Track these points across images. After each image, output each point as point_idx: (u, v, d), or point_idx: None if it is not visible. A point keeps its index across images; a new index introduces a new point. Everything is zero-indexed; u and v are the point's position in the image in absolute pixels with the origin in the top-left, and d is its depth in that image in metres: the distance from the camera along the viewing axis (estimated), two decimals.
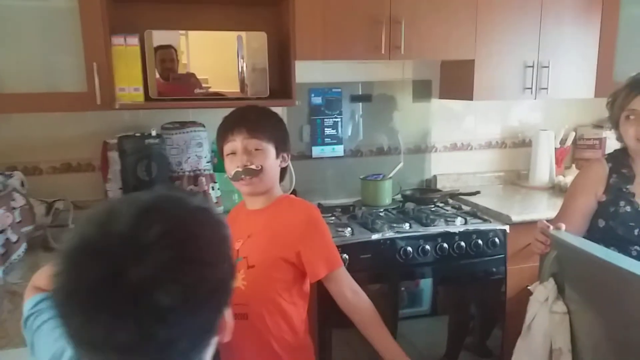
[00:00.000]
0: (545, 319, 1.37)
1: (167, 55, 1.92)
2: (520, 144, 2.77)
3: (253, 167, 1.31)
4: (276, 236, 1.33)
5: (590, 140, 2.76)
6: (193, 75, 1.95)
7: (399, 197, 2.48)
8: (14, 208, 1.64)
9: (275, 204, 1.39)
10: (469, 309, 2.21)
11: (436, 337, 2.17)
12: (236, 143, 1.33)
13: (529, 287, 1.48)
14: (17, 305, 1.39)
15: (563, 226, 1.41)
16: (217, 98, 1.98)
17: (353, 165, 2.51)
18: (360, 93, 2.49)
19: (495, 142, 2.75)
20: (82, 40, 1.78)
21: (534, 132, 2.67)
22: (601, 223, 1.56)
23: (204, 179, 2.05)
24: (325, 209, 2.32)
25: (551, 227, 1.40)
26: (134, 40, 1.89)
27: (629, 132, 1.50)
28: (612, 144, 2.71)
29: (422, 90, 2.59)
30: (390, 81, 2.53)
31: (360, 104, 2.51)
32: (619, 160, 1.58)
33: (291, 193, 2.41)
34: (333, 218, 2.21)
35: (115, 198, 0.69)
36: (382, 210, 2.30)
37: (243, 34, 1.98)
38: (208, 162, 2.10)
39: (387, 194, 2.40)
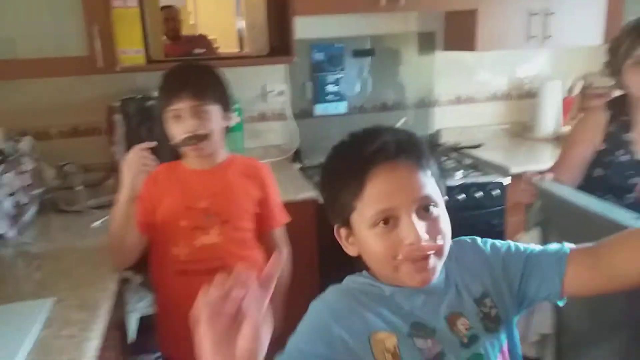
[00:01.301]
0: None
1: (169, 15, 1.93)
2: (526, 95, 2.74)
3: (203, 131, 1.31)
4: (243, 191, 1.40)
5: (599, 89, 2.71)
6: (204, 37, 1.96)
7: None
8: (24, 172, 1.70)
9: (228, 162, 1.43)
10: None
11: None
12: (182, 107, 1.29)
13: (516, 237, 1.51)
14: (28, 263, 1.48)
15: (548, 176, 1.43)
16: (218, 58, 1.99)
17: (357, 122, 2.48)
18: (363, 47, 2.47)
19: (500, 93, 2.72)
20: (82, 3, 1.79)
21: (540, 82, 2.62)
22: (597, 172, 1.56)
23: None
24: None
25: (537, 176, 1.42)
26: (133, 2, 1.88)
27: (634, 82, 1.47)
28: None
29: (426, 43, 2.55)
30: (394, 34, 2.50)
31: (364, 58, 2.49)
32: (620, 107, 1.56)
33: (295, 152, 2.44)
34: None
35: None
36: None
37: None
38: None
39: None
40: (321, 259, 2.01)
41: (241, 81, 2.30)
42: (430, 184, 0.79)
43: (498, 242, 0.91)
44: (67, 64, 1.84)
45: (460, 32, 2.39)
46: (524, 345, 1.46)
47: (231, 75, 2.23)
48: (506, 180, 2.11)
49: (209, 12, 1.98)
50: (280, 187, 1.99)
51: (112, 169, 1.97)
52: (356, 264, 2.11)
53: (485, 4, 2.20)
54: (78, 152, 2.11)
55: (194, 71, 1.37)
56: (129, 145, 1.98)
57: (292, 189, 2.01)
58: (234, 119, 1.45)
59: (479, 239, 0.93)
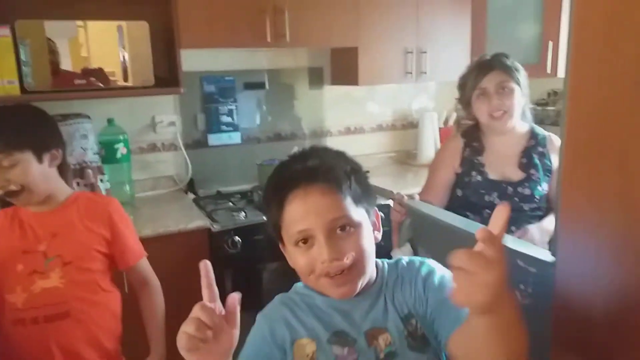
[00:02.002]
0: None
1: (50, 47, 1.88)
2: (409, 126, 2.97)
3: (12, 187, 1.22)
4: (87, 230, 1.32)
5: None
6: (101, 70, 1.93)
7: None
8: None
9: (71, 201, 1.34)
10: None
11: None
12: None
13: (390, 253, 1.62)
14: None
15: (416, 196, 1.57)
16: (98, 89, 1.95)
17: (251, 151, 2.57)
18: (254, 80, 2.54)
19: (386, 124, 2.92)
20: None
21: (421, 114, 2.86)
22: (459, 192, 1.73)
23: (90, 172, 2.01)
24: (223, 196, 2.36)
25: (405, 197, 1.55)
26: (4, 31, 1.81)
27: (481, 110, 1.68)
28: None
29: (315, 77, 2.69)
30: (285, 69, 2.61)
31: (256, 91, 2.57)
32: (471, 134, 1.76)
33: (188, 183, 2.43)
34: (230, 204, 2.25)
35: None
36: None
37: (123, 23, 1.96)
38: (95, 153, 2.06)
39: None
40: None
41: (129, 112, 2.29)
42: (345, 206, 0.84)
43: (439, 273, 0.91)
44: None
45: (344, 68, 2.55)
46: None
47: (119, 107, 2.23)
48: (391, 202, 2.25)
49: (96, 45, 1.95)
50: (171, 218, 1.99)
51: None
52: (251, 292, 2.13)
53: (364, 43, 2.38)
54: None
55: None
56: None
57: (184, 218, 2.00)
58: (59, 158, 1.33)
59: (427, 262, 0.95)
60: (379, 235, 0.95)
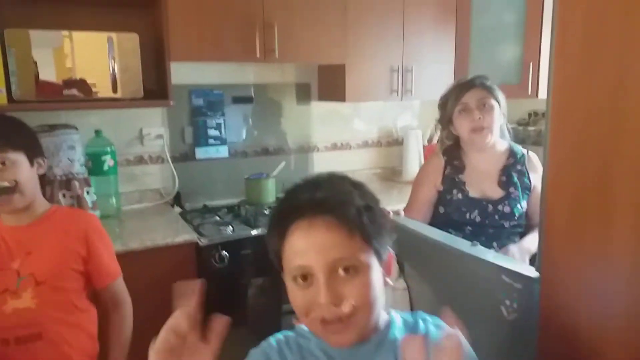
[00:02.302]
0: (388, 295, 1.54)
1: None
2: (394, 143, 3.01)
3: (6, 184, 1.23)
4: (62, 247, 1.30)
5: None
6: (84, 81, 1.91)
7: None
8: None
9: (48, 216, 1.33)
10: None
11: None
12: None
13: None
14: None
15: (402, 212, 1.59)
16: (88, 99, 1.95)
17: (238, 165, 2.58)
18: (243, 95, 2.56)
19: (371, 141, 2.96)
20: None
21: (405, 131, 2.91)
22: (441, 210, 1.77)
23: (77, 183, 1.99)
24: (210, 210, 2.36)
25: (391, 213, 1.58)
26: None
27: (463, 125, 1.72)
28: None
29: (302, 93, 2.72)
30: (272, 84, 2.64)
31: (244, 105, 2.59)
32: (452, 153, 1.80)
33: (175, 196, 2.42)
34: (217, 218, 2.25)
35: None
36: (266, 208, 2.38)
37: (114, 35, 1.97)
38: (82, 165, 2.05)
39: (270, 192, 2.49)
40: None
41: (117, 124, 2.29)
42: (352, 245, 0.75)
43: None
44: None
45: (331, 85, 2.59)
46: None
47: (106, 118, 2.23)
48: None
49: (85, 56, 1.95)
50: (159, 231, 1.98)
51: None
52: (237, 307, 2.14)
53: (351, 60, 2.43)
54: None
55: None
56: None
57: (171, 232, 1.99)
58: (44, 168, 1.35)
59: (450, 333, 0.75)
60: (391, 281, 0.86)
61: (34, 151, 1.31)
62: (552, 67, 0.94)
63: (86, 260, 1.34)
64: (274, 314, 2.17)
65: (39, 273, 1.25)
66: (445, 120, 1.78)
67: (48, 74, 1.89)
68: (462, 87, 1.73)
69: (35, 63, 1.86)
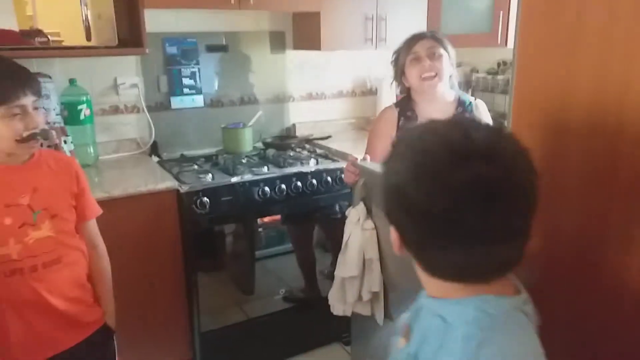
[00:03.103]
0: (358, 235, 1.65)
1: None
2: (368, 93, 3.06)
3: (45, 126, 1.35)
4: (60, 183, 1.42)
5: None
6: (40, 31, 1.85)
7: (260, 145, 2.64)
8: None
9: (38, 157, 1.40)
10: (320, 239, 2.46)
11: (296, 269, 2.42)
12: (25, 105, 1.27)
13: (345, 213, 1.74)
14: None
15: (368, 157, 1.68)
16: (63, 47, 1.92)
17: (214, 115, 2.59)
18: (217, 43, 2.55)
19: (346, 91, 3.01)
20: None
21: (379, 81, 2.96)
22: None
23: (54, 132, 1.98)
24: (187, 159, 2.39)
25: (358, 158, 1.66)
26: None
27: (413, 73, 1.79)
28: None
29: (277, 42, 2.72)
30: (246, 32, 2.62)
31: (219, 54, 2.57)
32: (405, 104, 1.88)
33: (152, 145, 2.44)
34: (195, 167, 2.29)
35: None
36: (244, 157, 2.43)
37: None
38: (57, 114, 2.04)
39: (248, 142, 2.53)
40: (184, 245, 2.06)
41: (90, 73, 2.26)
42: None
43: None
44: None
45: (306, 33, 2.60)
46: (359, 304, 1.70)
47: (79, 68, 2.20)
48: None
49: (49, 3, 1.90)
50: (140, 179, 2.02)
51: None
52: (216, 251, 2.22)
53: (326, 7, 2.43)
54: None
55: (18, 67, 1.32)
56: None
57: (153, 179, 2.03)
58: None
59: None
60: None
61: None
62: (519, 16, 1.01)
63: (77, 196, 1.46)
64: (250, 254, 2.27)
65: (50, 207, 1.36)
66: (399, 72, 1.85)
67: (8, 21, 1.83)
68: (412, 38, 1.81)
69: None
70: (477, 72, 3.15)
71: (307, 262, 2.43)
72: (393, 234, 0.76)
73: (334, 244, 2.42)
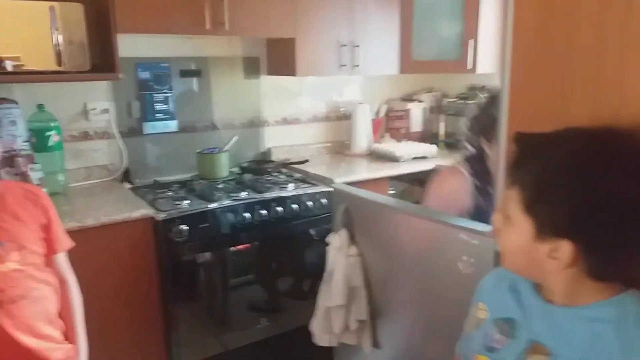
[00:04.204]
0: (342, 263, 1.62)
1: None
2: (342, 117, 3.08)
3: None
4: (28, 215, 1.36)
5: (398, 112, 3.19)
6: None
7: (236, 169, 2.60)
8: None
9: (3, 187, 1.37)
10: (301, 262, 2.39)
11: (275, 288, 2.36)
12: None
13: (326, 240, 1.71)
14: None
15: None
16: (32, 72, 1.85)
17: (188, 140, 2.54)
18: (190, 68, 2.52)
19: (320, 115, 3.02)
20: None
21: (353, 106, 2.99)
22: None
23: (20, 160, 1.90)
24: (161, 185, 2.33)
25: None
26: None
27: None
28: (416, 114, 3.18)
29: (251, 67, 2.71)
30: (220, 57, 2.60)
31: (192, 79, 2.54)
32: (474, 162, 1.56)
33: (124, 172, 2.37)
34: (170, 193, 2.22)
35: None
36: (220, 182, 2.38)
37: (56, 4, 1.86)
38: (25, 141, 1.95)
39: (224, 167, 2.48)
40: (161, 275, 1.98)
41: (59, 98, 2.19)
42: None
43: None
44: None
45: (281, 59, 2.60)
46: (345, 334, 1.67)
47: (47, 93, 2.12)
48: (331, 189, 2.33)
49: (13, 27, 1.82)
50: (113, 207, 1.95)
51: None
52: (192, 283, 2.14)
53: (301, 34, 2.45)
54: None
55: None
56: None
57: (127, 207, 1.95)
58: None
59: None
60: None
61: None
62: (508, 40, 1.03)
63: (45, 228, 1.40)
64: (227, 288, 2.21)
65: (18, 239, 1.30)
66: (479, 132, 1.52)
67: None
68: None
69: None
70: (448, 97, 3.23)
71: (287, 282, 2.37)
72: (566, 249, 0.73)
73: (314, 268, 2.39)
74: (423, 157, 2.84)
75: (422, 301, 1.47)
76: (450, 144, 3.15)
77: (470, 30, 2.69)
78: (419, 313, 1.50)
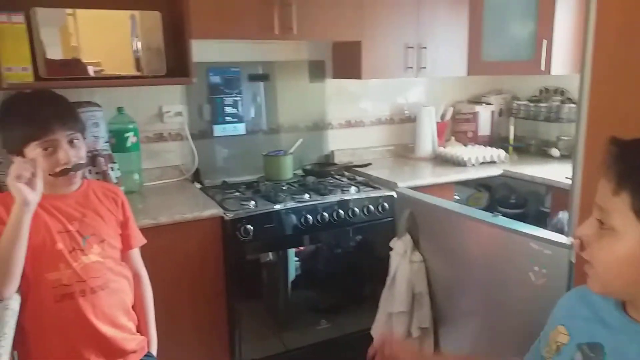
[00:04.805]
0: (406, 268, 1.60)
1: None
2: (406, 120, 3.04)
3: (82, 161, 1.35)
4: (107, 212, 1.45)
5: (465, 115, 3.11)
6: (79, 61, 1.91)
7: (300, 172, 2.63)
8: None
9: (87, 185, 1.45)
10: (361, 266, 2.38)
11: (335, 291, 2.37)
12: (56, 140, 1.29)
13: (389, 244, 1.69)
14: None
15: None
16: (112, 77, 1.97)
17: (255, 142, 2.61)
18: (258, 72, 2.59)
19: (384, 118, 3.00)
20: None
21: (418, 108, 2.94)
22: None
23: (102, 160, 2.03)
24: (229, 186, 2.40)
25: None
26: (19, 18, 1.82)
27: None
28: (484, 117, 3.09)
29: (317, 71, 2.74)
30: (287, 61, 2.65)
31: (260, 83, 2.61)
32: None
33: (194, 172, 2.47)
34: (237, 193, 2.29)
35: None
36: (284, 184, 2.43)
37: (137, 13, 1.98)
38: (106, 142, 2.08)
39: (288, 169, 2.53)
40: (227, 273, 2.05)
41: (137, 102, 2.32)
42: None
43: None
44: None
45: (347, 62, 2.61)
46: (407, 341, 1.64)
47: (126, 96, 2.26)
48: (394, 194, 2.31)
49: (95, 34, 1.96)
50: (185, 206, 2.03)
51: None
52: (257, 280, 2.19)
53: (368, 37, 2.45)
54: None
55: (51, 99, 1.36)
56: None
57: (197, 207, 2.03)
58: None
59: None
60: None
61: (84, 131, 1.43)
62: (590, 41, 0.97)
63: (122, 224, 1.49)
64: (288, 287, 2.24)
65: (99, 233, 1.39)
66: None
67: (61, 52, 1.89)
68: None
69: (60, 41, 1.88)
70: (518, 99, 3.10)
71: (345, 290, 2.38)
72: None
73: (374, 272, 2.38)
74: (491, 162, 2.75)
75: (489, 311, 1.42)
76: (520, 148, 3.02)
77: (544, 29, 2.57)
78: (484, 323, 1.46)
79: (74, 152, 1.33)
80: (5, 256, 1.21)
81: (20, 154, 1.30)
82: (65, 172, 1.32)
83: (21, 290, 1.28)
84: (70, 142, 1.33)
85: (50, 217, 1.33)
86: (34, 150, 1.28)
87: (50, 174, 1.31)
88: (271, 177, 2.49)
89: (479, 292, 1.44)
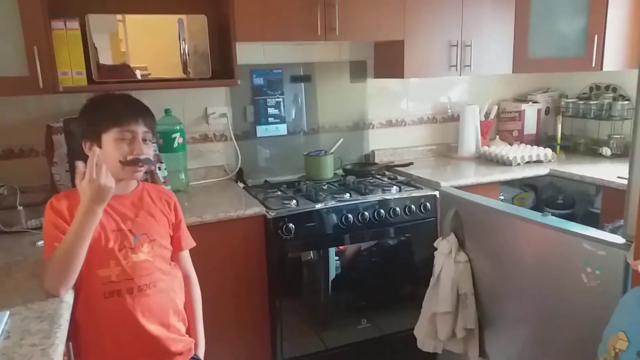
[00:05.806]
0: (451, 268, 1.58)
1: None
2: (449, 119, 3.00)
3: (150, 157, 1.43)
4: (160, 213, 1.50)
5: (511, 113, 3.03)
6: (128, 66, 1.99)
7: (340, 171, 2.64)
8: None
9: (142, 187, 1.51)
10: (402, 266, 2.37)
11: (376, 290, 2.35)
12: (135, 132, 1.38)
13: (434, 244, 1.67)
14: None
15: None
16: (161, 79, 2.04)
17: (296, 143, 2.64)
18: (300, 74, 2.61)
19: (426, 117, 2.96)
20: (22, 24, 1.79)
21: (461, 107, 2.89)
22: None
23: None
24: (271, 185, 2.44)
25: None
26: (74, 24, 1.91)
27: None
28: (530, 115, 3.01)
29: (358, 71, 2.74)
30: (328, 62, 2.67)
31: (302, 84, 2.63)
32: None
33: (237, 172, 2.52)
34: (279, 192, 2.32)
35: None
36: (325, 183, 2.44)
37: (184, 17, 2.04)
38: (154, 142, 2.15)
39: (329, 169, 2.54)
40: (269, 271, 2.08)
41: (184, 104, 2.38)
42: None
43: None
44: (7, 84, 1.81)
45: (389, 61, 2.60)
46: (451, 341, 1.62)
47: (173, 98, 2.33)
48: (437, 194, 2.28)
49: (143, 39, 2.03)
50: (229, 205, 2.08)
51: (53, 189, 1.94)
52: (298, 279, 2.21)
53: (411, 36, 2.43)
54: (14, 174, 2.06)
55: (135, 100, 1.48)
56: (70, 165, 1.98)
57: (241, 205, 2.08)
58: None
59: None
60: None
61: (155, 134, 1.51)
62: None
63: (174, 227, 1.53)
64: (329, 286, 2.24)
65: (150, 232, 1.44)
66: None
67: (111, 57, 1.97)
68: None
69: (112, 46, 1.96)
70: (567, 97, 3.00)
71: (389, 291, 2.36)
72: None
73: (416, 272, 2.35)
74: (537, 161, 2.68)
75: (538, 313, 1.39)
76: (567, 147, 2.92)
77: (596, 24, 2.48)
78: (533, 325, 1.42)
79: (145, 148, 1.41)
80: (70, 253, 1.25)
81: (98, 139, 1.37)
82: (135, 162, 1.38)
83: (75, 284, 1.32)
84: (144, 139, 1.41)
85: (105, 216, 1.38)
86: (112, 135, 1.36)
87: (120, 161, 1.37)
88: (312, 177, 2.51)
89: (527, 293, 1.40)
